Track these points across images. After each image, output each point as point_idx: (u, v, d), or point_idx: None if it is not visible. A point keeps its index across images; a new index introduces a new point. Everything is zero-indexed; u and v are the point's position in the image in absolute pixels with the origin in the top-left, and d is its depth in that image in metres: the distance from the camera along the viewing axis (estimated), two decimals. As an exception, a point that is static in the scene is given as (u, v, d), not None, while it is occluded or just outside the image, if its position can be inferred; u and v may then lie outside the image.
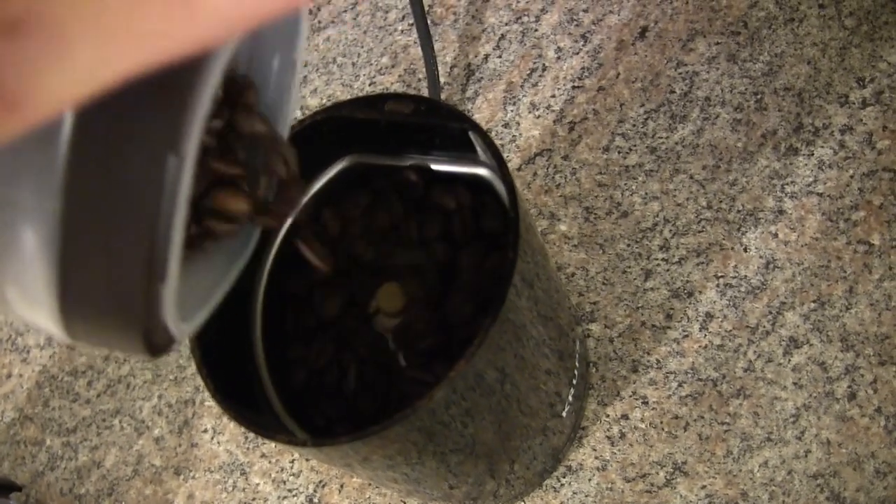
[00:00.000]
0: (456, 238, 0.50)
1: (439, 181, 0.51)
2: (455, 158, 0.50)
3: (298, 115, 0.73)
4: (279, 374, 0.52)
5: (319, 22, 0.75)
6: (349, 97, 0.70)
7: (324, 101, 0.72)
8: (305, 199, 0.53)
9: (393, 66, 0.72)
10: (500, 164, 0.44)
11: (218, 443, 0.68)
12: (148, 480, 0.69)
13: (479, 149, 0.47)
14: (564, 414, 0.57)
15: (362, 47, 0.73)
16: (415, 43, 0.72)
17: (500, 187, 0.49)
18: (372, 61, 0.73)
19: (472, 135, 0.46)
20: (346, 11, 0.75)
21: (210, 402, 0.68)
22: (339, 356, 0.52)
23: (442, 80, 0.71)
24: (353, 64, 0.73)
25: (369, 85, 0.72)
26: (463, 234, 0.50)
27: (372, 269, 0.52)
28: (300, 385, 0.52)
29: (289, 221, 0.53)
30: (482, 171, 0.50)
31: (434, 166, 0.51)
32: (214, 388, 0.45)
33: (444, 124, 0.48)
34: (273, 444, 0.66)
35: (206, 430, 0.68)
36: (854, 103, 0.63)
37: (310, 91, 0.73)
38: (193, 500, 0.68)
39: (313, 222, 0.53)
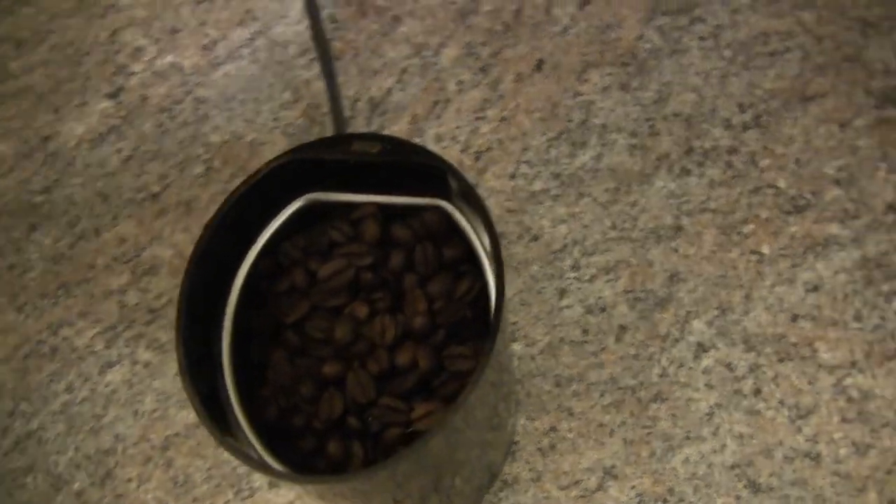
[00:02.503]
0: (418, 269, 0.63)
1: (398, 215, 0.64)
2: (413, 191, 0.62)
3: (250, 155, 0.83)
4: (252, 411, 0.62)
5: (216, 58, 0.86)
6: (253, 134, 0.82)
7: (226, 138, 0.83)
8: (263, 239, 0.64)
9: (296, 101, 0.84)
10: (473, 197, 0.57)
11: (146, 491, 0.77)
12: (73, 529, 0.78)
13: (452, 183, 0.60)
14: (503, 427, 0.70)
15: (263, 83, 0.85)
16: (317, 77, 0.84)
17: (459, 217, 0.62)
18: (274, 97, 0.84)
19: (445, 170, 0.58)
20: (243, 47, 0.86)
21: (133, 450, 0.77)
22: (309, 391, 0.63)
23: (346, 113, 0.83)
24: (255, 100, 0.84)
25: (273, 120, 0.83)
26: (425, 265, 0.63)
27: (337, 308, 0.63)
28: (273, 421, 0.63)
29: (248, 262, 0.64)
30: (441, 203, 0.62)
31: (392, 200, 0.63)
32: (213, 426, 0.56)
33: (406, 161, 0.60)
34: (205, 487, 0.75)
35: (130, 480, 0.77)
36: (737, 127, 0.79)
37: (211, 128, 0.83)
38: (124, 545, 0.77)
39: (272, 253, 0.64)
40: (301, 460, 0.63)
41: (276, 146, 0.82)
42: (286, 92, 0.84)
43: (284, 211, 0.64)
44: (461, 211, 0.62)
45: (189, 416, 0.76)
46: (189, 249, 0.79)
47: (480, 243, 0.61)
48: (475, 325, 0.62)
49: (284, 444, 0.63)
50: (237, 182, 0.81)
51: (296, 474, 0.58)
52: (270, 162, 0.61)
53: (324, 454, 0.62)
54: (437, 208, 0.63)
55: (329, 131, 0.81)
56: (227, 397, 0.61)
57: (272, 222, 0.64)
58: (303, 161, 0.61)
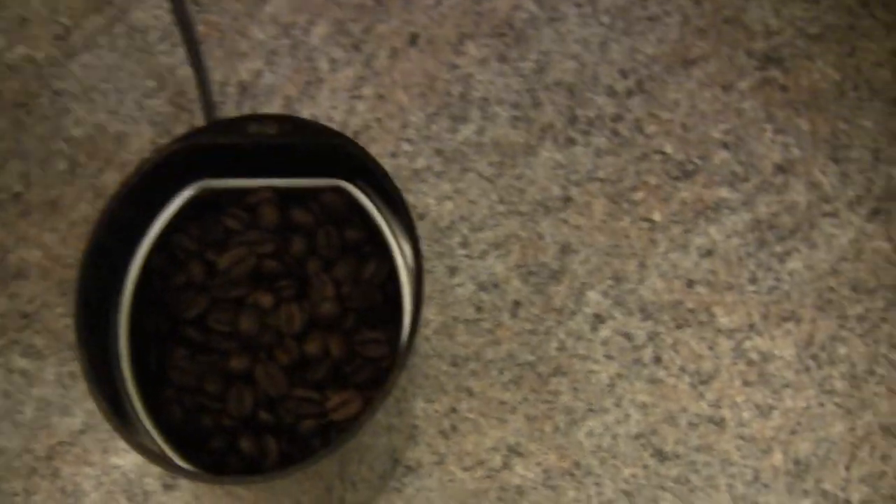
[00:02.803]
0: (321, 253, 0.62)
1: (296, 198, 0.63)
2: (309, 172, 0.61)
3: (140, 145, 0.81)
4: (157, 414, 0.60)
5: (72, 47, 0.83)
6: (118, 125, 0.80)
7: (90, 130, 0.81)
8: (154, 232, 0.62)
9: (161, 89, 0.82)
10: (381, 176, 0.56)
11: None
12: (-49, 553, 0.75)
13: (357, 162, 0.59)
14: (407, 411, 0.70)
15: (124, 71, 0.82)
16: (180, 63, 0.82)
17: (360, 197, 0.61)
18: (137, 85, 0.82)
19: (347, 148, 0.57)
20: (100, 34, 0.83)
21: (17, 463, 0.74)
22: (215, 388, 0.61)
23: (215, 99, 0.81)
24: (117, 89, 0.82)
25: (138, 110, 0.81)
26: (328, 248, 0.62)
27: (239, 299, 0.62)
28: (179, 423, 0.61)
29: (139, 258, 0.62)
30: (339, 183, 0.61)
31: (289, 183, 0.62)
32: (125, 432, 0.54)
33: (303, 141, 0.59)
34: (95, 496, 0.73)
35: (16, 494, 0.74)
36: (620, 93, 0.80)
37: (73, 121, 0.81)
38: (7, 565, 0.74)
39: (164, 247, 0.62)
40: (212, 461, 0.61)
41: (142, 136, 0.80)
42: (149, 80, 0.82)
43: (175, 201, 0.63)
44: (362, 190, 0.61)
45: (74, 422, 0.74)
46: (59, 250, 0.77)
47: (386, 222, 0.61)
48: (384, 308, 0.62)
49: (194, 446, 0.61)
50: (105, 177, 0.79)
51: (214, 476, 0.57)
52: (162, 149, 0.59)
53: (237, 452, 0.61)
54: (336, 189, 0.62)
55: (198, 118, 0.80)
56: (130, 402, 0.60)
57: (162, 214, 0.63)
58: (193, 147, 0.60)
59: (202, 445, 0.61)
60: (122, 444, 0.73)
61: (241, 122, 0.59)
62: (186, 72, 0.81)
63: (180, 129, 0.80)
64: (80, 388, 0.74)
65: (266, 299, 0.61)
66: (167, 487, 0.72)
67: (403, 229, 0.60)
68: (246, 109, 0.81)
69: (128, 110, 0.82)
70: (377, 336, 0.61)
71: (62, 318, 0.75)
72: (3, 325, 0.76)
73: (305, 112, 0.81)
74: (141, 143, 0.80)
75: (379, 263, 0.61)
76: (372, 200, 0.61)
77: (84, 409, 0.74)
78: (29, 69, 0.84)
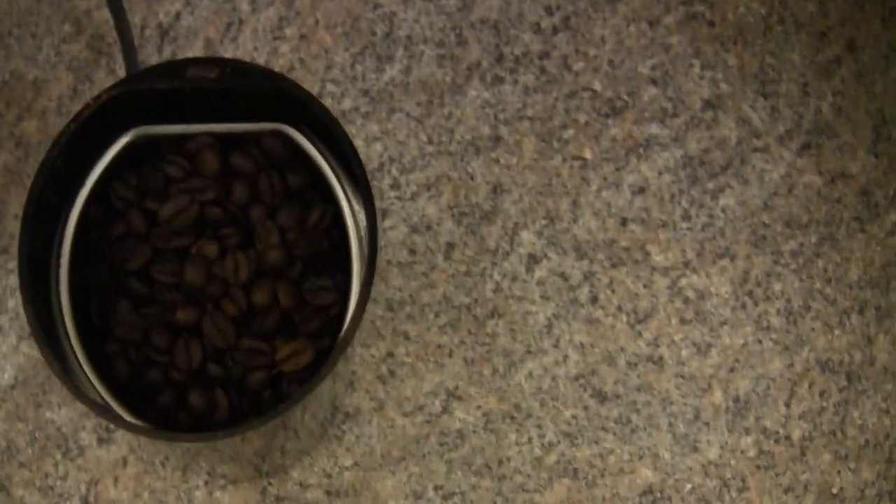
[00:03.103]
0: (264, 199, 0.61)
1: (236, 143, 0.61)
2: (248, 117, 0.60)
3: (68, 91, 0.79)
4: (103, 371, 0.59)
5: (-21, -9, 0.80)
6: (36, 71, 0.77)
7: (6, 77, 0.78)
8: (91, 182, 0.60)
9: (78, 33, 0.79)
10: (327, 119, 0.55)
11: (-41, 461, 0.73)
12: None
13: (314, 107, 0.58)
14: (350, 358, 0.70)
15: (39, 16, 0.80)
16: (97, 6, 0.79)
17: (302, 141, 0.60)
18: (53, 30, 0.79)
19: (296, 91, 0.56)
20: (9, -23, 0.81)
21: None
22: (162, 342, 0.60)
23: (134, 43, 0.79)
24: (33, 35, 0.79)
25: (55, 56, 0.79)
26: (271, 194, 0.61)
27: (183, 249, 0.61)
28: (126, 378, 0.60)
29: (76, 209, 0.61)
30: (279, 126, 0.60)
31: (229, 128, 0.61)
32: (75, 392, 0.53)
33: (243, 84, 0.58)
34: (30, 451, 0.72)
35: (-57, 452, 0.73)
36: (546, 30, 0.80)
37: (-15, 68, 0.79)
38: (-63, 529, 0.73)
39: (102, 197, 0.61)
40: (160, 415, 0.60)
41: (61, 83, 0.78)
42: (66, 24, 0.80)
43: (112, 149, 0.61)
44: (304, 134, 0.60)
45: (3, 377, 0.72)
46: (-23, 203, 0.75)
47: (329, 167, 0.60)
48: (331, 255, 0.62)
49: (141, 401, 0.60)
50: (25, 125, 0.77)
51: (170, 432, 0.56)
52: (99, 96, 0.58)
53: (186, 407, 0.60)
54: (277, 133, 0.61)
55: (118, 63, 0.78)
56: (76, 357, 0.58)
57: (99, 162, 0.61)
58: (131, 93, 0.58)
59: (150, 400, 0.60)
60: (55, 398, 0.72)
61: (179, 66, 0.58)
62: (104, 15, 0.78)
63: (100, 75, 0.78)
64: (9, 342, 0.72)
65: (211, 248, 0.60)
66: (102, 441, 0.71)
67: (349, 174, 0.59)
68: (167, 53, 0.79)
69: (45, 56, 0.79)
70: (325, 283, 0.60)
71: (-16, 273, 0.74)
72: (-78, 283, 0.73)
73: (228, 55, 0.79)
74: (60, 89, 0.77)
75: (324, 209, 0.61)
76: (314, 144, 0.61)
77: (14, 363, 0.72)
78: (-69, 13, 0.80)
